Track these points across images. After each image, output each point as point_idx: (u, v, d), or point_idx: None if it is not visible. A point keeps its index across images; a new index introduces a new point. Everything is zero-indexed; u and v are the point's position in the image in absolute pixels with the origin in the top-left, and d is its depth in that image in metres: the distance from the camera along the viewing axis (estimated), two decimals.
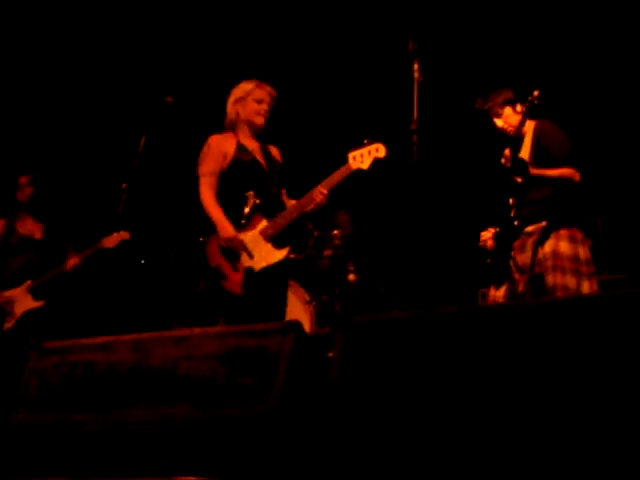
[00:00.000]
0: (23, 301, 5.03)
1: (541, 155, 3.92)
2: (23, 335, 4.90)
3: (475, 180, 5.45)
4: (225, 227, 3.77)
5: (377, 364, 2.42)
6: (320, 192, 3.70)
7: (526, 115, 3.87)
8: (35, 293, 5.05)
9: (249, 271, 3.75)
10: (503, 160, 3.97)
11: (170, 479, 2.49)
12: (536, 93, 3.81)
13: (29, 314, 5.01)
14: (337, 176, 3.73)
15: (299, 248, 5.60)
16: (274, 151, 4.08)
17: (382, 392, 2.35)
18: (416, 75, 3.55)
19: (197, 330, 2.83)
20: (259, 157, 3.96)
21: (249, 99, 3.93)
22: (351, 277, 5.66)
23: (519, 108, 3.98)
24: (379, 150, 3.69)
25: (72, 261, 5.04)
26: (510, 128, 3.99)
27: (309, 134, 6.56)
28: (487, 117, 4.11)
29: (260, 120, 3.94)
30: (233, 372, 2.65)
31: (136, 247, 4.84)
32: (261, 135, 4.02)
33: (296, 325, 2.67)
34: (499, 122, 4.08)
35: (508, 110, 4.03)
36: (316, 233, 5.61)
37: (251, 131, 3.97)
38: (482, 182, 4.47)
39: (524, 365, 2.11)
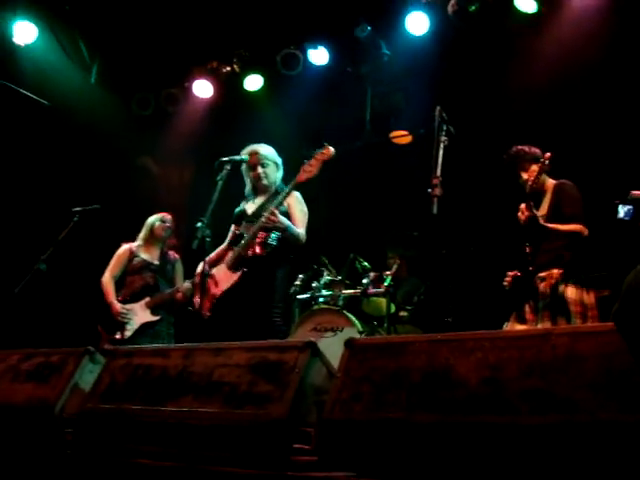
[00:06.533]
0: (142, 314, 5.78)
1: (558, 211, 4.38)
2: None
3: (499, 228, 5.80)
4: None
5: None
6: (272, 213, 4.43)
7: (539, 174, 4.31)
8: (152, 309, 5.81)
9: (214, 296, 4.67)
10: (519, 214, 4.42)
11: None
12: (547, 155, 4.28)
13: (145, 326, 5.76)
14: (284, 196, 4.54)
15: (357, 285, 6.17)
16: None
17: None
18: (443, 139, 4.09)
19: (233, 344, 3.44)
20: None
21: None
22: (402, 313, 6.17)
23: (536, 167, 4.40)
24: (326, 153, 4.38)
25: (179, 296, 5.73)
26: (532, 183, 4.37)
27: None
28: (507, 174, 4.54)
29: None
30: (255, 380, 3.22)
31: None
32: None
33: (312, 344, 3.22)
34: (524, 175, 4.53)
35: (535, 167, 4.45)
36: (373, 274, 6.11)
37: None
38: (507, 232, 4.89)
39: None
